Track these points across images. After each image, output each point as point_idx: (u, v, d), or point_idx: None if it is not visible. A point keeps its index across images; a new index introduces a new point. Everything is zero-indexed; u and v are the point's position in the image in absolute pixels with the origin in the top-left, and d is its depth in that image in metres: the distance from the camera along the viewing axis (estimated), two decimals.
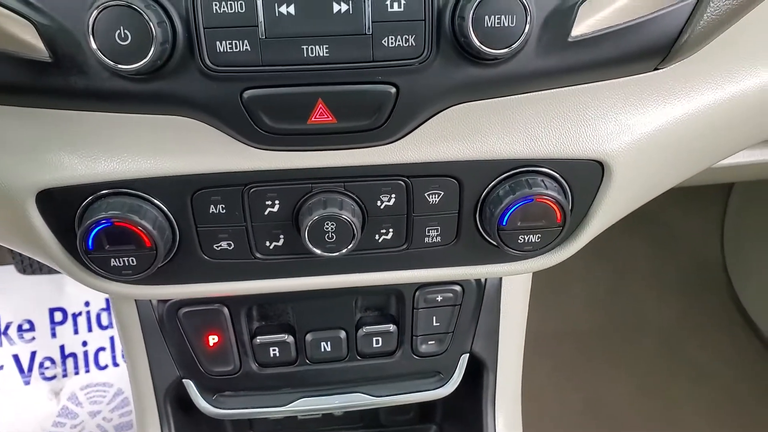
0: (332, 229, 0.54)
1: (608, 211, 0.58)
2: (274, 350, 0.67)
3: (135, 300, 0.65)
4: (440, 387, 0.69)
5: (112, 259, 0.53)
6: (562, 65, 0.51)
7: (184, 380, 0.68)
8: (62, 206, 0.54)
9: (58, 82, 0.49)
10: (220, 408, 0.68)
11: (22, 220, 0.54)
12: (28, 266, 1.69)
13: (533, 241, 0.56)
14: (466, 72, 0.49)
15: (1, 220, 0.56)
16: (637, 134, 0.55)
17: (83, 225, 0.52)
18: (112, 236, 0.52)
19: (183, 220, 0.55)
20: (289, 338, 0.67)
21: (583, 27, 0.50)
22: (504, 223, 0.55)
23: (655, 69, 0.55)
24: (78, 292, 1.74)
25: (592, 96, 0.54)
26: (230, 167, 0.53)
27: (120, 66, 0.45)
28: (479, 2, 0.45)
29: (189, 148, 0.52)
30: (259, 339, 0.66)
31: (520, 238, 0.56)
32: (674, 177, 0.63)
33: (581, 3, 0.49)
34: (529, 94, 0.53)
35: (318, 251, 0.54)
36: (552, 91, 0.54)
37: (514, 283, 0.69)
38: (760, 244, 1.72)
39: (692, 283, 1.90)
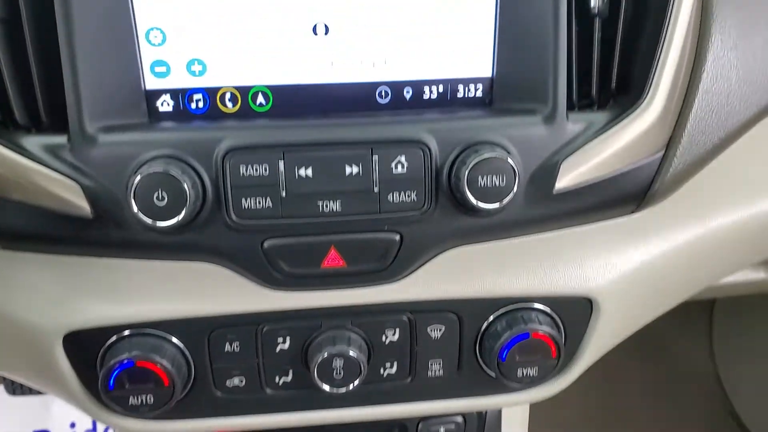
0: (340, 365, 0.57)
1: (599, 342, 0.62)
2: None
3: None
4: None
5: (131, 398, 0.56)
6: (548, 214, 0.58)
7: None
8: (86, 346, 0.57)
9: (95, 235, 0.54)
10: None
11: (46, 359, 0.57)
12: (18, 387, 1.66)
13: (531, 374, 0.59)
14: (462, 221, 0.55)
15: (24, 357, 0.59)
16: (621, 271, 0.60)
17: (106, 365, 0.55)
18: (132, 376, 0.55)
19: (199, 358, 0.58)
20: None
21: (565, 181, 0.56)
22: (503, 359, 0.58)
23: (632, 213, 0.61)
24: (64, 411, 1.70)
25: (577, 238, 0.60)
26: (246, 309, 0.57)
27: (157, 224, 0.50)
28: (473, 165, 0.51)
29: (209, 291, 0.56)
30: None
31: (519, 371, 0.59)
32: (661, 306, 0.67)
33: (563, 160, 0.55)
34: (519, 238, 0.59)
35: (326, 387, 0.57)
36: (541, 234, 0.59)
37: (514, 412, 0.72)
38: (750, 354, 1.74)
39: (686, 393, 1.90)
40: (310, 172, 0.53)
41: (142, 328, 0.56)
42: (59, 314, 0.55)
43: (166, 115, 0.58)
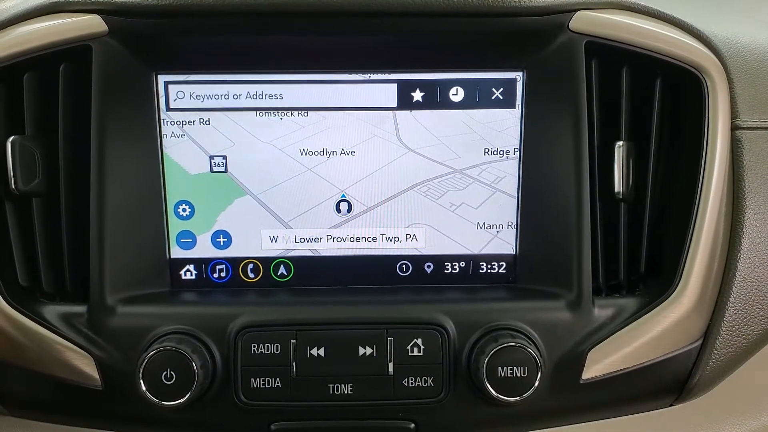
0: None
1: None
2: None
3: None
4: None
5: None
6: (575, 404, 0.53)
7: None
8: None
9: (104, 408, 0.53)
10: None
11: None
12: None
13: None
14: (481, 411, 0.52)
15: None
16: None
17: None
18: None
19: None
20: None
21: (593, 370, 0.52)
22: None
23: (671, 405, 0.56)
24: None
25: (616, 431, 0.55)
26: None
27: (162, 403, 0.49)
28: (492, 354, 0.49)
29: None
30: None
31: None
32: None
33: (590, 349, 0.52)
34: (546, 429, 0.54)
35: None
36: (569, 426, 0.55)
37: None
38: None
39: None
40: (322, 351, 0.51)
41: None
42: None
43: (189, 283, 0.58)
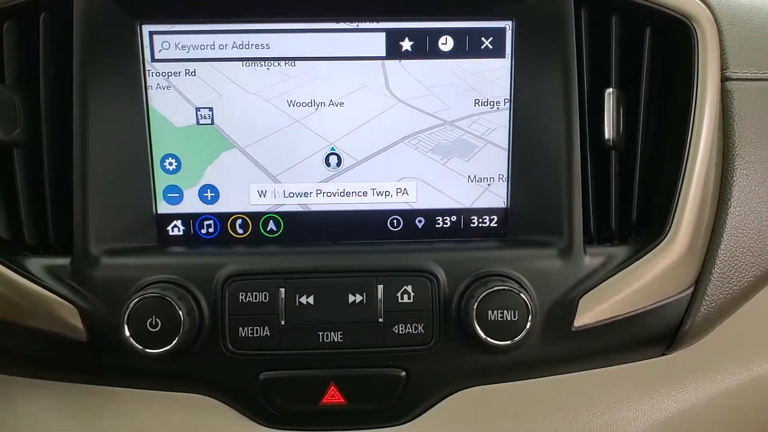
0: None
1: None
2: None
3: None
4: None
5: None
6: (567, 353, 0.53)
7: None
8: None
9: (89, 361, 0.52)
10: None
11: None
12: None
13: None
14: (473, 359, 0.51)
15: None
16: (653, 420, 0.54)
17: None
18: None
19: None
20: None
21: (585, 318, 0.52)
22: None
23: (663, 354, 0.56)
24: None
25: (602, 381, 0.55)
26: None
27: (147, 350, 0.48)
28: (481, 298, 0.48)
29: (201, 425, 0.53)
30: None
31: None
32: None
33: (581, 296, 0.52)
34: (541, 380, 0.54)
35: None
36: (562, 376, 0.54)
37: None
38: None
39: None
40: (312, 300, 0.51)
41: None
42: None
43: (177, 239, 0.57)
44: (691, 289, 0.54)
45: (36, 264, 0.52)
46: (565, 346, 0.53)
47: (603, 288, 0.52)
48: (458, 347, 0.51)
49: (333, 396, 0.51)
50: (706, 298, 0.54)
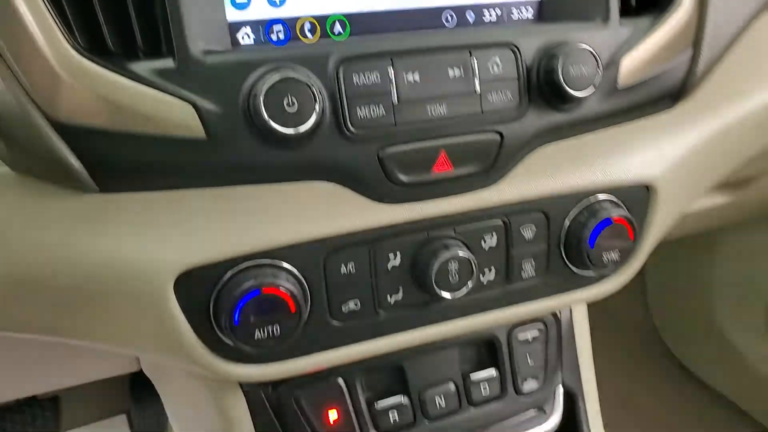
0: (455, 269, 0.59)
1: (658, 225, 0.68)
2: (393, 414, 0.66)
3: (245, 394, 0.63)
4: (547, 421, 0.72)
5: (257, 331, 0.53)
6: (612, 109, 0.64)
7: None
8: (199, 288, 0.53)
9: (208, 160, 0.52)
10: None
11: (155, 309, 0.53)
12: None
13: (614, 258, 0.65)
14: (551, 117, 0.60)
15: (131, 315, 0.54)
16: (671, 158, 0.68)
17: (231, 298, 0.52)
18: (258, 306, 0.53)
19: (316, 284, 0.57)
20: (405, 399, 0.67)
21: (626, 77, 0.63)
22: (592, 246, 0.63)
23: (673, 107, 0.69)
24: None
25: (634, 132, 0.67)
26: (362, 225, 0.57)
27: (286, 130, 0.50)
28: (565, 57, 0.57)
29: (326, 211, 0.56)
30: (378, 404, 0.66)
31: (604, 256, 0.64)
32: (701, 187, 0.76)
33: (622, 56, 0.62)
34: (591, 134, 0.65)
35: (444, 294, 0.59)
36: (606, 132, 0.66)
37: (579, 317, 0.76)
38: (680, 297, 1.91)
39: (625, 342, 2.05)
40: (417, 77, 0.55)
41: (257, 259, 0.54)
42: (172, 253, 0.52)
43: (249, 48, 0.57)
44: (692, 48, 0.67)
45: (143, 68, 0.49)
46: (612, 103, 0.63)
47: (636, 51, 0.63)
48: (540, 107, 0.59)
49: (442, 164, 0.57)
50: (703, 53, 0.67)
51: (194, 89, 0.50)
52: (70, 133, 0.48)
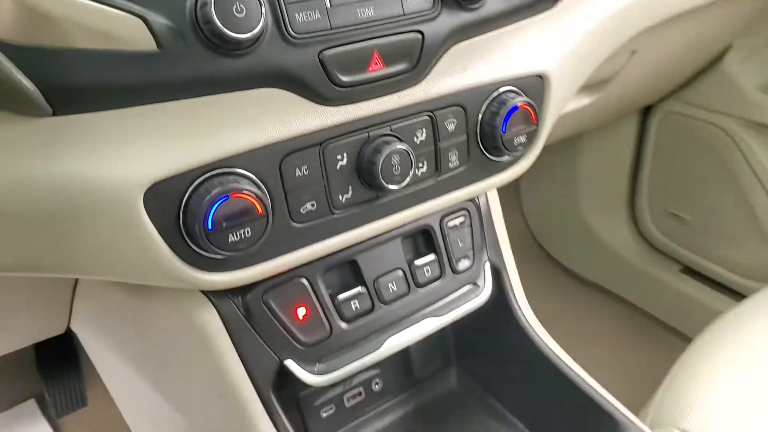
0: (397, 161, 0.65)
1: (552, 111, 0.79)
2: (354, 303, 0.72)
3: (215, 306, 0.65)
4: (481, 293, 0.82)
5: (230, 235, 0.56)
6: (509, 7, 0.73)
7: (285, 362, 0.68)
8: (166, 199, 0.55)
9: (160, 74, 0.53)
10: (325, 374, 0.70)
11: (128, 226, 0.54)
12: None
13: (523, 141, 0.74)
14: (460, 17, 0.67)
15: (101, 237, 0.54)
16: (558, 50, 0.78)
17: (201, 207, 0.54)
18: (229, 211, 0.55)
19: (274, 188, 0.60)
20: (363, 289, 0.73)
21: None
22: (504, 131, 0.72)
23: (553, 7, 0.79)
24: None
25: (525, 31, 0.76)
26: (311, 127, 0.61)
27: (238, 36, 0.52)
28: None
29: (277, 116, 0.59)
30: (340, 297, 0.71)
31: (515, 140, 0.73)
32: (584, 73, 0.87)
33: None
34: (493, 32, 0.73)
35: (390, 186, 0.65)
36: (505, 28, 0.74)
37: (492, 202, 0.86)
38: (548, 197, 2.11)
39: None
40: None
41: (219, 168, 0.57)
42: (138, 168, 0.53)
43: None
44: None
45: None
46: (507, 2, 0.72)
47: None
48: (451, 8, 0.66)
49: (376, 63, 0.62)
50: None
51: (143, 2, 0.51)
52: (19, 52, 0.47)
